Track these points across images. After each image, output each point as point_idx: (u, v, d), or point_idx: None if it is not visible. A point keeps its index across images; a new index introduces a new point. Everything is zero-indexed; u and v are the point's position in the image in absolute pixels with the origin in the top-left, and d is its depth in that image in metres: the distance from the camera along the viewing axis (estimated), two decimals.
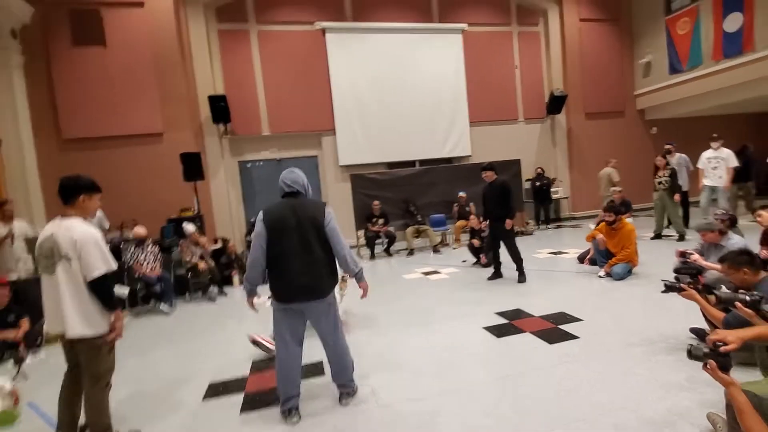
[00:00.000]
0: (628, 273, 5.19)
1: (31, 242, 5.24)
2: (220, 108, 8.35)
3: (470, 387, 2.84)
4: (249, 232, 8.46)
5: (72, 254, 2.29)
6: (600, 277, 5.25)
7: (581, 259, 6.11)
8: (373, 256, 8.13)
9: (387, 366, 3.28)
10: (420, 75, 9.90)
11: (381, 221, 8.20)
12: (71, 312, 2.29)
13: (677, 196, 7.07)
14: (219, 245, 7.16)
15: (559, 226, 10.14)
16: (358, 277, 2.74)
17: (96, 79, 7.65)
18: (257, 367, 3.51)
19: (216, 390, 3.17)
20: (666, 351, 3.10)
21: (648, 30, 10.91)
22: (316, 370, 3.32)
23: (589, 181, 10.65)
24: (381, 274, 6.97)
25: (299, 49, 9.25)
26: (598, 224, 5.83)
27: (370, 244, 8.14)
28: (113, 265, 2.40)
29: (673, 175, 7.11)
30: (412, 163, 9.89)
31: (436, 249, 8.16)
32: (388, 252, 8.28)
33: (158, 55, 7.93)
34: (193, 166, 7.24)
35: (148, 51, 7.88)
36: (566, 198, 10.93)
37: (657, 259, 5.70)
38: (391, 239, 8.26)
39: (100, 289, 2.32)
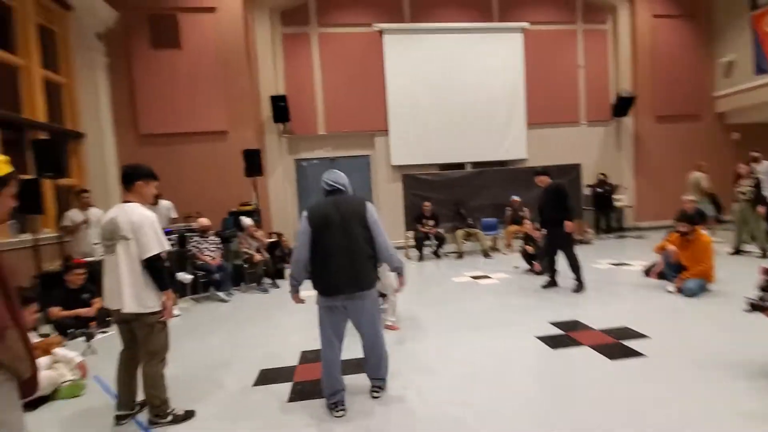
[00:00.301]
0: (703, 290, 4.74)
1: None
2: (280, 108, 8.67)
3: (518, 397, 2.72)
4: None
5: (130, 235, 2.46)
6: (669, 292, 4.85)
7: (647, 272, 5.67)
8: (421, 258, 8.06)
9: (427, 368, 3.22)
10: (477, 75, 9.70)
11: (431, 222, 8.12)
12: (127, 289, 2.46)
13: (761, 208, 6.37)
14: (274, 239, 7.43)
15: (621, 236, 9.51)
16: (399, 271, 2.78)
17: (170, 80, 8.21)
18: (306, 357, 3.58)
19: (266, 377, 3.26)
20: (747, 377, 2.79)
21: (730, 27, 9.94)
22: (354, 366, 3.21)
23: (656, 189, 9.90)
24: (429, 276, 6.90)
25: (357, 51, 9.40)
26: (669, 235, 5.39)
27: (419, 245, 8.08)
28: (166, 246, 2.57)
29: (758, 185, 6.43)
30: (464, 165, 9.71)
31: (486, 253, 7.94)
32: (436, 254, 8.18)
33: (226, 57, 8.36)
34: (253, 163, 7.56)
35: (218, 53, 8.34)
36: (630, 207, 10.22)
37: (736, 276, 5.17)
38: (441, 241, 8.15)
39: (154, 267, 2.49)
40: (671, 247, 5.00)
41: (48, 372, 3.09)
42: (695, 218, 5.16)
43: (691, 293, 4.66)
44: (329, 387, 2.66)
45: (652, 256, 5.51)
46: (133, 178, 2.60)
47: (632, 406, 2.51)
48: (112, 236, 2.51)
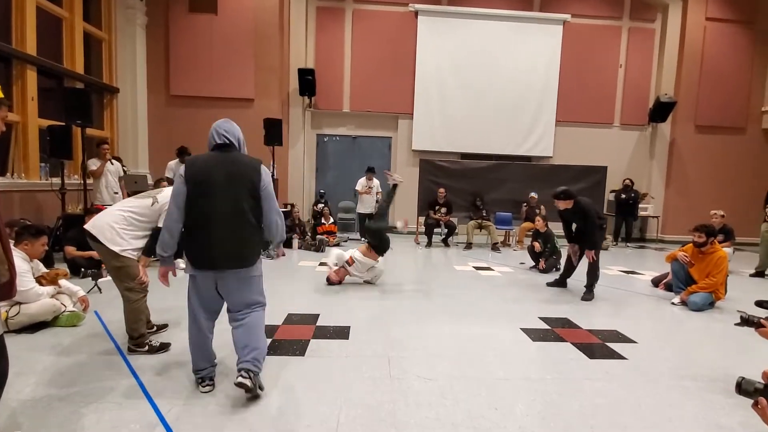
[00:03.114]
0: (709, 306, 4.55)
1: (121, 179, 6.21)
2: (307, 81, 8.76)
3: (486, 380, 2.73)
4: (316, 202, 8.85)
5: (160, 201, 2.78)
6: (674, 304, 4.69)
7: (656, 282, 5.51)
8: (429, 244, 8.07)
9: (411, 344, 3.26)
10: (510, 66, 9.45)
11: (443, 210, 8.08)
12: (115, 226, 2.82)
13: None
14: (286, 209, 7.59)
15: (641, 247, 9.18)
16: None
17: (204, 44, 8.41)
18: (291, 319, 3.70)
19: None
20: (726, 392, 2.69)
21: None
22: (341, 333, 3.44)
23: (687, 201, 9.47)
24: (433, 262, 6.91)
25: (390, 30, 9.31)
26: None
27: (429, 231, 8.07)
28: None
29: None
30: (485, 157, 9.54)
31: (495, 247, 7.86)
32: (445, 242, 8.16)
33: (260, 26, 8.48)
34: (273, 132, 7.70)
35: (252, 21, 8.46)
36: (656, 217, 9.83)
37: (752, 298, 4.93)
38: (451, 230, 8.12)
39: (157, 236, 2.62)
40: (681, 253, 4.82)
41: (51, 300, 3.34)
42: (714, 230, 4.92)
43: (695, 307, 4.48)
44: (194, 363, 2.43)
45: (666, 267, 5.32)
46: None
47: (601, 403, 2.48)
48: (148, 194, 2.93)
